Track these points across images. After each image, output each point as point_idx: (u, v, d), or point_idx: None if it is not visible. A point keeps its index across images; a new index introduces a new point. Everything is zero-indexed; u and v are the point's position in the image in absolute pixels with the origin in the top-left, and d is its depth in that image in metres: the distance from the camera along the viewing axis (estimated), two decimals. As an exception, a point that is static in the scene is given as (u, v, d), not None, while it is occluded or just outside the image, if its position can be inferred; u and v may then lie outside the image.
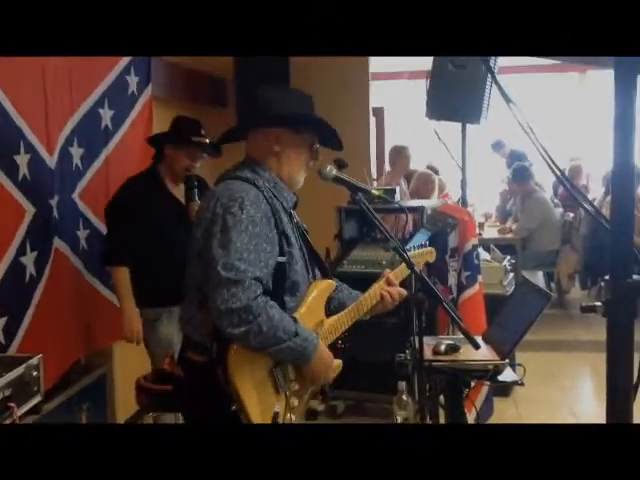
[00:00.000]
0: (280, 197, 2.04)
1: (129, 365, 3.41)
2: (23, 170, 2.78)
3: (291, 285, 2.00)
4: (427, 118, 4.29)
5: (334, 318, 2.12)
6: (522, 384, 2.64)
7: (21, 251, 2.77)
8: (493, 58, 3.90)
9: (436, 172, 6.42)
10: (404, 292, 2.24)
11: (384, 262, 3.79)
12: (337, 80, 5.08)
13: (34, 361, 2.29)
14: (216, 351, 1.89)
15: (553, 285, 6.85)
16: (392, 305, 2.21)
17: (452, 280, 3.84)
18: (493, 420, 3.80)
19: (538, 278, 6.72)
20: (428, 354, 2.64)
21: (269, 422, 1.91)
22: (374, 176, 6.04)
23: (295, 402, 2.01)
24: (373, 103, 5.61)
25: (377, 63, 5.61)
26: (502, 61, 4.30)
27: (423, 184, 5.57)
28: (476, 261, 3.92)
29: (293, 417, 2.00)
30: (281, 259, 1.96)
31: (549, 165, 1.38)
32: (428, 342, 2.71)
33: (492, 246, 5.18)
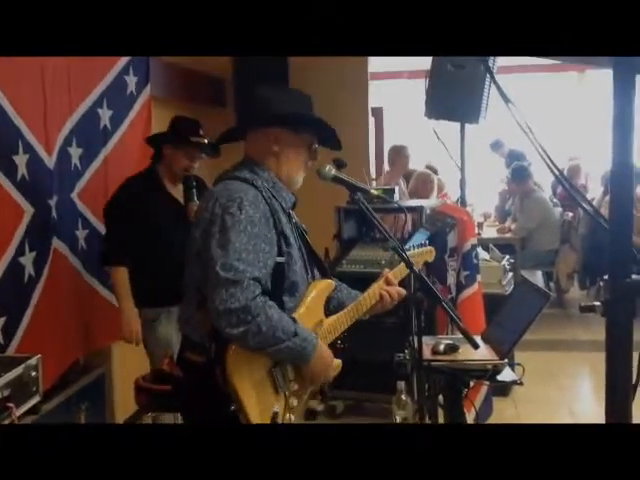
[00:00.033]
0: (279, 197, 2.03)
1: (128, 365, 3.41)
2: (22, 170, 2.78)
3: (290, 285, 2.00)
4: (426, 118, 4.29)
5: (333, 318, 2.12)
6: (521, 384, 2.64)
7: (20, 251, 2.77)
8: (492, 58, 3.90)
9: (435, 172, 6.42)
10: (403, 292, 2.24)
11: (383, 262, 3.79)
12: (336, 80, 5.08)
13: (33, 361, 2.29)
14: (215, 351, 1.89)
15: (552, 285, 6.85)
16: (391, 305, 2.21)
17: (451, 280, 3.84)
18: (492, 420, 3.80)
19: (537, 278, 6.72)
20: (427, 354, 2.64)
21: (268, 422, 1.91)
22: (373, 176, 6.03)
23: (294, 402, 2.00)
24: (372, 103, 5.61)
25: (376, 63, 5.61)
26: (501, 61, 4.30)
27: (422, 184, 5.57)
28: (475, 261, 3.92)
29: (292, 417, 2.00)
30: (280, 259, 1.95)
31: (548, 165, 1.38)
32: (427, 342, 2.71)
33: (491, 246, 5.18)
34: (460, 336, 2.17)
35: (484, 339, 2.81)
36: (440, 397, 2.88)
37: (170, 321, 3.10)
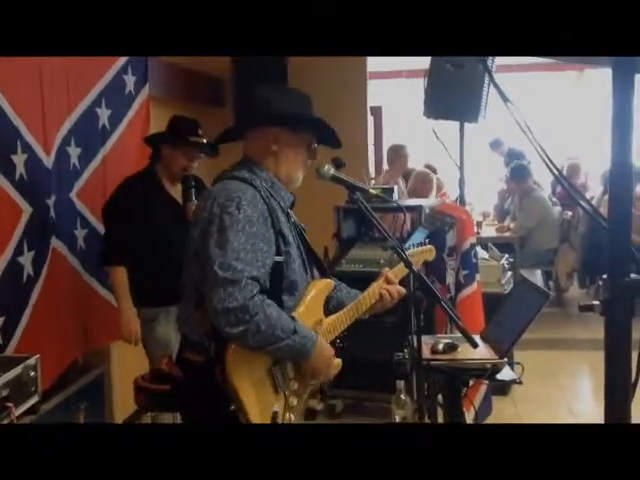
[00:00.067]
0: (277, 197, 2.03)
1: (127, 365, 3.40)
2: (20, 170, 2.77)
3: (289, 284, 2.00)
4: (425, 117, 4.29)
5: (333, 317, 2.12)
6: (520, 383, 2.64)
7: (18, 251, 2.76)
8: (491, 57, 3.90)
9: (434, 171, 6.42)
10: (403, 290, 2.24)
11: (382, 261, 3.78)
12: (335, 79, 5.08)
13: (32, 361, 2.29)
14: (214, 351, 1.89)
15: (551, 284, 6.86)
16: (391, 304, 2.21)
17: (450, 279, 3.84)
18: (491, 419, 3.80)
19: (536, 277, 6.73)
20: (426, 353, 2.64)
21: (268, 422, 1.91)
22: (372, 175, 6.04)
23: (294, 401, 2.00)
24: (371, 102, 5.61)
25: (375, 62, 5.61)
26: (500, 60, 4.29)
27: (421, 183, 5.57)
28: (474, 260, 3.92)
29: (292, 416, 2.00)
30: (278, 258, 1.95)
31: (547, 164, 1.38)
32: (426, 341, 2.71)
33: (490, 245, 5.18)
34: (459, 335, 2.17)
35: (483, 338, 2.81)
36: (439, 396, 2.88)
37: (169, 321, 3.10)
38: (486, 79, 4.07)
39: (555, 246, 6.61)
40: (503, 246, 5.64)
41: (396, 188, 4.43)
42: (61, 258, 3.10)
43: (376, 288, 2.19)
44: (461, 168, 4.58)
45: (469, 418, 3.06)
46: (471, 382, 2.89)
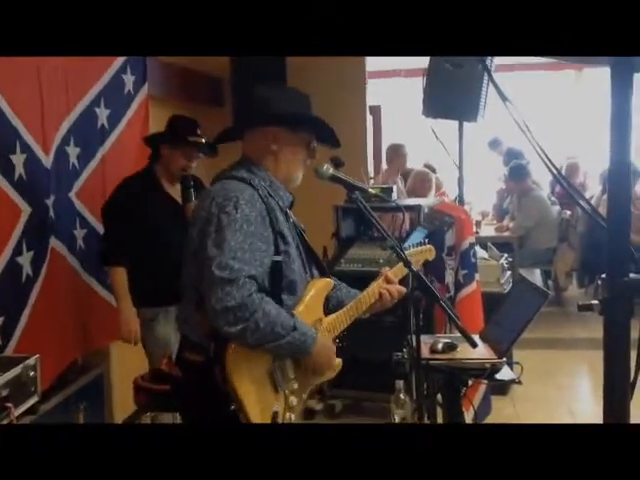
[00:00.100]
0: (276, 196, 2.04)
1: (126, 365, 3.40)
2: (19, 170, 2.77)
3: (288, 284, 2.00)
4: (424, 116, 4.29)
5: (332, 316, 2.12)
6: (519, 382, 2.65)
7: (17, 251, 2.76)
8: (490, 57, 3.90)
9: (433, 170, 6.41)
10: (403, 290, 2.24)
11: (381, 260, 3.78)
12: (334, 79, 5.07)
13: (31, 361, 2.29)
14: (214, 350, 1.89)
15: (550, 283, 6.86)
16: (391, 303, 2.21)
17: (449, 278, 3.84)
18: (491, 418, 3.80)
19: (535, 276, 6.72)
20: (425, 353, 2.64)
21: (268, 421, 1.91)
22: (371, 174, 6.04)
23: (294, 401, 2.01)
24: (370, 101, 5.61)
25: (374, 61, 5.61)
26: (498, 59, 4.30)
27: (420, 182, 5.57)
28: (473, 259, 3.92)
29: (292, 416, 2.00)
30: (277, 258, 1.96)
31: (545, 163, 1.38)
32: (425, 341, 2.71)
33: (489, 244, 5.18)
34: (458, 335, 2.17)
35: (482, 338, 2.81)
36: (439, 396, 2.88)
37: (168, 321, 3.10)
38: (485, 78, 4.07)
39: (554, 245, 6.61)
40: (502, 245, 5.64)
41: (395, 187, 4.43)
42: (60, 258, 3.10)
43: (376, 287, 2.19)
44: (460, 167, 4.59)
45: (468, 418, 3.06)
46: (470, 382, 2.89)
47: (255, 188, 1.96)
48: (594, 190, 7.35)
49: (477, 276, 3.92)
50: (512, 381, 2.70)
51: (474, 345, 2.14)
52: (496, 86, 1.45)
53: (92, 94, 3.34)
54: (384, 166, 6.36)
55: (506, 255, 5.02)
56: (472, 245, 3.94)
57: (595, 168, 7.78)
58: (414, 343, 2.36)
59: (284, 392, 1.97)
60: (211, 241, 1.84)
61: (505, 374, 2.64)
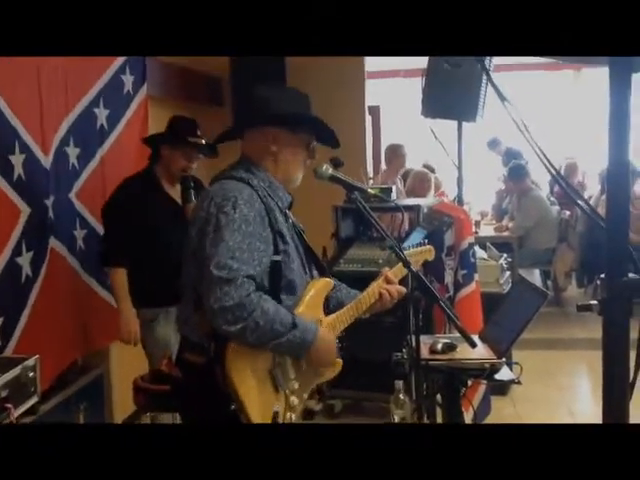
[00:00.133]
0: (275, 197, 2.04)
1: (126, 365, 3.40)
2: (18, 170, 2.77)
3: (288, 284, 2.00)
4: (423, 116, 4.29)
5: (332, 316, 2.11)
6: (519, 382, 2.64)
7: (17, 251, 2.76)
8: (488, 57, 3.90)
9: (432, 170, 6.42)
10: (403, 290, 2.24)
11: (381, 261, 3.79)
12: (333, 79, 5.08)
13: (30, 362, 2.29)
14: (214, 350, 1.89)
15: (550, 283, 6.86)
16: (391, 303, 2.21)
17: (448, 279, 3.85)
18: (490, 419, 3.80)
19: (535, 276, 6.73)
20: (425, 353, 2.64)
21: (269, 421, 1.91)
22: (370, 175, 6.04)
23: (295, 401, 2.01)
24: (369, 101, 5.61)
25: (373, 62, 5.61)
26: (497, 59, 4.30)
27: (419, 182, 5.57)
28: (472, 259, 3.92)
29: (293, 416, 2.00)
30: (276, 258, 1.96)
31: (544, 163, 1.38)
32: (425, 341, 2.71)
33: (488, 244, 5.19)
34: (458, 335, 2.17)
35: (482, 338, 2.81)
36: (438, 396, 2.88)
37: (168, 321, 3.10)
38: (484, 78, 4.07)
39: (553, 246, 6.61)
40: (501, 246, 5.65)
41: (394, 188, 4.44)
42: (60, 258, 3.10)
43: (376, 288, 2.19)
44: (459, 167, 4.59)
45: (468, 418, 3.06)
46: (470, 382, 2.89)
47: (254, 188, 1.96)
48: (593, 190, 7.36)
49: (476, 276, 3.92)
50: (511, 381, 2.70)
51: (473, 345, 2.14)
52: (495, 86, 1.45)
53: (91, 94, 3.35)
54: (383, 166, 6.36)
55: (505, 255, 5.02)
56: (471, 245, 3.94)
57: (594, 168, 7.79)
58: (413, 343, 2.36)
59: (285, 392, 1.97)
60: (210, 241, 1.85)
61: (504, 374, 2.64)
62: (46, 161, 2.97)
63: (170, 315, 3.05)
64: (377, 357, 3.74)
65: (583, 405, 4.51)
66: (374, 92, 6.80)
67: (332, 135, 2.12)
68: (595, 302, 1.30)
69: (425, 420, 2.65)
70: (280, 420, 1.94)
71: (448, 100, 4.13)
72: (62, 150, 3.13)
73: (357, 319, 2.19)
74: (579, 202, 1.60)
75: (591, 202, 6.34)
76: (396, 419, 2.57)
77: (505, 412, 4.19)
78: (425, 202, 4.29)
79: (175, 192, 3.19)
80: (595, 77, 8.58)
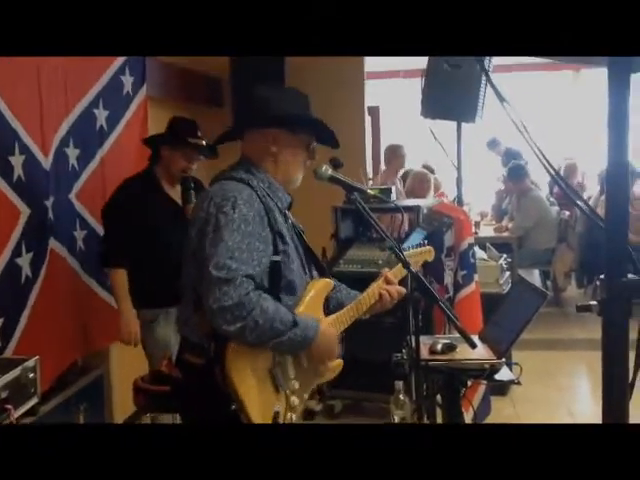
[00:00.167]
0: (275, 197, 2.04)
1: (126, 366, 3.40)
2: (18, 171, 2.77)
3: (287, 284, 2.00)
4: (422, 117, 4.29)
5: (332, 317, 2.11)
6: (519, 383, 2.65)
7: (16, 252, 2.76)
8: (488, 57, 3.90)
9: (432, 171, 6.42)
10: (403, 291, 2.24)
11: (380, 261, 3.79)
12: (332, 79, 5.08)
13: (30, 363, 2.29)
14: (214, 351, 1.89)
15: (549, 283, 6.86)
16: (391, 304, 2.21)
17: (448, 279, 3.85)
18: (490, 419, 3.80)
19: (534, 277, 6.73)
20: (425, 353, 2.64)
21: (269, 422, 1.91)
22: (370, 175, 6.04)
23: (296, 401, 2.01)
24: (368, 102, 5.61)
25: (372, 62, 5.61)
26: (496, 59, 4.31)
27: (419, 183, 5.57)
28: (472, 260, 3.92)
29: (294, 416, 2.00)
30: (276, 258, 1.96)
31: (543, 164, 1.38)
32: (425, 341, 2.71)
33: (488, 245, 5.19)
34: (458, 336, 2.17)
35: (481, 338, 2.81)
36: (438, 397, 2.88)
37: (168, 322, 3.10)
38: (483, 78, 4.07)
39: (553, 246, 6.61)
40: (501, 246, 5.65)
41: (394, 188, 4.44)
42: (60, 259, 3.09)
43: (376, 288, 2.19)
44: (459, 168, 4.59)
45: (468, 418, 3.06)
46: (469, 382, 2.89)
47: (253, 189, 1.96)
48: (592, 190, 7.36)
49: (476, 277, 3.92)
50: (511, 382, 2.71)
51: (473, 346, 2.14)
52: (494, 87, 1.45)
53: (91, 95, 3.35)
54: (383, 167, 6.36)
55: (505, 256, 5.02)
56: (471, 246, 3.94)
57: (593, 168, 7.79)
58: (413, 344, 2.36)
59: (285, 392, 1.97)
60: (209, 241, 1.85)
61: (504, 375, 2.64)
62: (46, 162, 2.97)
63: (170, 316, 3.05)
64: (377, 358, 3.74)
65: (583, 405, 4.51)
66: (374, 93, 6.81)
67: (332, 136, 2.12)
68: (594, 302, 1.31)
69: (425, 420, 2.65)
70: (281, 420, 1.94)
71: (447, 101, 4.14)
72: (62, 151, 3.13)
73: (357, 320, 2.19)
74: (578, 203, 1.60)
75: (590, 203, 6.33)
76: (396, 419, 2.58)
77: (505, 412, 4.19)
78: (425, 203, 4.29)
79: (175, 193, 3.19)
80: (594, 78, 8.58)
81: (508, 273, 4.85)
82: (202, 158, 3.22)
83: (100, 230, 3.30)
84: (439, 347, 2.72)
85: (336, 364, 2.14)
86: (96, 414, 3.30)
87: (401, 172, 6.18)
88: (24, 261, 2.81)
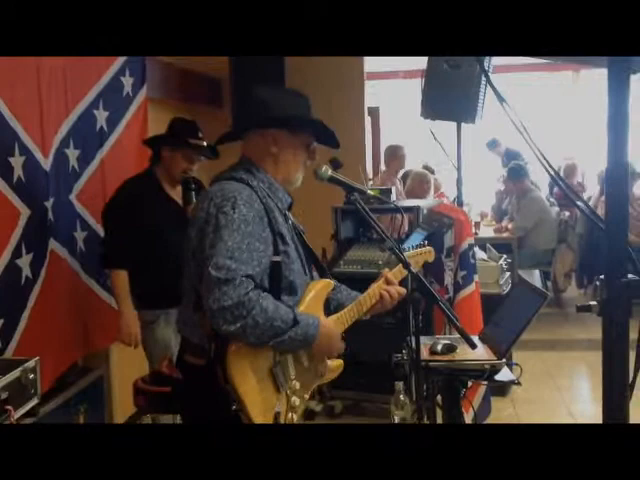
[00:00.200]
0: (275, 198, 2.04)
1: (126, 367, 3.40)
2: (18, 172, 2.77)
3: (288, 284, 2.00)
4: (422, 117, 4.29)
5: (333, 317, 2.11)
6: (519, 384, 2.64)
7: (17, 253, 2.76)
8: (487, 58, 3.90)
9: (431, 172, 6.42)
10: (403, 291, 2.23)
11: (380, 262, 3.79)
12: (332, 80, 5.08)
13: (31, 364, 2.29)
14: (214, 351, 1.89)
15: (549, 284, 6.86)
16: (391, 305, 2.21)
17: (448, 280, 3.84)
18: (490, 419, 3.81)
19: (534, 277, 6.73)
20: (425, 354, 2.64)
21: (270, 422, 1.91)
22: (370, 176, 6.04)
23: (296, 401, 2.00)
24: (368, 103, 5.61)
25: (372, 63, 5.62)
26: (496, 60, 4.30)
27: (419, 184, 5.58)
28: (472, 260, 3.92)
29: (294, 417, 2.00)
30: (276, 258, 1.96)
31: (543, 164, 1.38)
32: (425, 342, 2.71)
33: (488, 245, 5.18)
34: (458, 336, 2.17)
35: (482, 339, 2.81)
36: (438, 397, 2.88)
37: (168, 323, 3.10)
38: (483, 79, 4.07)
39: (553, 246, 6.61)
40: (501, 247, 5.64)
41: (394, 189, 4.44)
42: (60, 260, 3.09)
43: (376, 289, 2.19)
44: (458, 169, 4.58)
45: (468, 419, 3.06)
46: (470, 383, 2.89)
47: (254, 189, 1.96)
48: (592, 190, 7.36)
49: (476, 277, 3.92)
50: (511, 382, 2.70)
51: (473, 346, 2.14)
52: (493, 87, 1.46)
53: (91, 96, 3.35)
54: (383, 167, 6.37)
55: (505, 256, 5.02)
56: (471, 246, 3.94)
57: (593, 169, 7.79)
58: (413, 344, 2.35)
59: (286, 392, 1.97)
60: (209, 241, 1.85)
61: (504, 375, 2.64)
62: (46, 163, 2.97)
63: (170, 317, 3.05)
64: (377, 358, 3.74)
65: (583, 406, 4.50)
66: (373, 93, 6.81)
67: (332, 136, 2.12)
68: (595, 303, 1.31)
69: (425, 421, 2.65)
70: (282, 421, 1.94)
71: (447, 101, 4.13)
72: (62, 152, 3.13)
73: (357, 320, 2.19)
74: (578, 203, 1.60)
75: (590, 203, 6.35)
76: (396, 420, 2.57)
77: (505, 413, 4.19)
78: (425, 203, 4.29)
79: (176, 193, 3.19)
80: (594, 78, 8.59)
81: (508, 274, 4.85)
82: (203, 159, 3.22)
83: (100, 231, 3.30)
84: (439, 348, 2.72)
85: (337, 365, 2.14)
86: (96, 415, 3.30)
87: (401, 173, 6.18)
88: (24, 262, 2.81)
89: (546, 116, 8.91)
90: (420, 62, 4.29)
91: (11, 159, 2.74)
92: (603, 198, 5.91)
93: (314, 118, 2.12)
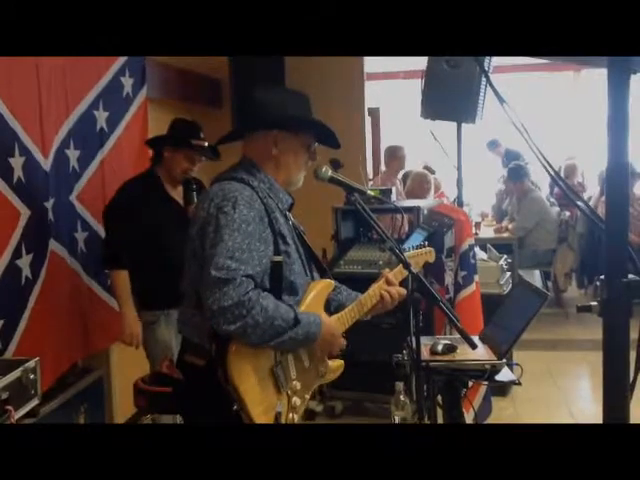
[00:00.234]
0: (275, 198, 2.04)
1: (127, 367, 3.40)
2: (18, 173, 2.77)
3: (289, 285, 2.00)
4: (422, 118, 4.29)
5: (334, 317, 2.11)
6: (519, 383, 2.64)
7: (17, 254, 2.76)
8: (487, 58, 3.90)
9: (432, 172, 6.43)
10: (403, 291, 2.23)
11: (381, 262, 3.79)
12: (332, 80, 5.08)
13: (31, 364, 2.29)
14: (215, 351, 1.89)
15: (550, 284, 6.86)
16: (391, 305, 2.21)
17: (449, 280, 3.84)
18: (491, 419, 3.80)
19: (535, 277, 6.73)
20: (425, 354, 2.64)
21: (271, 422, 1.91)
22: (370, 176, 6.04)
23: (297, 401, 2.00)
24: (368, 103, 5.61)
25: (372, 63, 5.62)
26: (497, 60, 4.30)
27: (419, 184, 5.58)
28: (472, 261, 3.92)
29: (295, 417, 2.00)
30: (277, 258, 1.96)
31: (543, 165, 1.38)
32: (425, 342, 2.71)
33: (489, 245, 5.19)
34: (458, 336, 2.17)
35: (482, 339, 2.81)
36: (439, 397, 2.88)
37: (169, 323, 3.09)
38: (483, 79, 4.07)
39: (553, 247, 6.61)
40: (501, 247, 5.64)
41: (394, 189, 4.44)
42: (60, 261, 3.09)
43: (376, 289, 2.19)
44: (459, 169, 4.59)
45: (469, 419, 3.06)
46: (470, 383, 2.88)
47: (254, 189, 1.97)
48: (593, 190, 7.36)
49: (476, 277, 3.92)
50: (512, 382, 2.70)
51: (474, 346, 2.14)
52: (493, 88, 1.46)
53: (91, 97, 3.35)
54: (383, 168, 6.37)
55: (505, 256, 5.02)
56: (471, 246, 3.94)
57: (593, 169, 7.79)
58: (414, 345, 2.35)
59: (287, 392, 1.97)
60: (209, 241, 1.85)
61: (505, 375, 2.63)
62: (46, 164, 2.97)
63: (171, 317, 3.05)
64: (377, 358, 3.74)
65: (584, 406, 4.50)
66: (374, 94, 6.81)
67: (333, 136, 2.12)
68: (595, 303, 1.31)
69: (426, 421, 2.65)
70: (282, 421, 1.94)
71: (447, 101, 4.13)
72: (62, 152, 3.13)
73: (357, 320, 2.19)
74: (578, 203, 1.60)
75: (590, 203, 6.34)
76: (397, 420, 2.57)
77: (506, 413, 4.19)
78: (425, 203, 4.29)
79: (177, 194, 3.19)
80: (594, 78, 8.59)
81: (508, 274, 4.85)
82: (204, 159, 3.22)
83: (101, 231, 3.30)
84: (440, 348, 2.72)
85: (337, 365, 2.14)
86: (96, 415, 3.30)
87: (401, 173, 6.19)
88: (24, 262, 2.81)
89: (546, 116, 8.90)
90: (420, 62, 4.29)
91: (11, 160, 2.74)
92: (603, 198, 5.90)
93: (315, 119, 2.12)
